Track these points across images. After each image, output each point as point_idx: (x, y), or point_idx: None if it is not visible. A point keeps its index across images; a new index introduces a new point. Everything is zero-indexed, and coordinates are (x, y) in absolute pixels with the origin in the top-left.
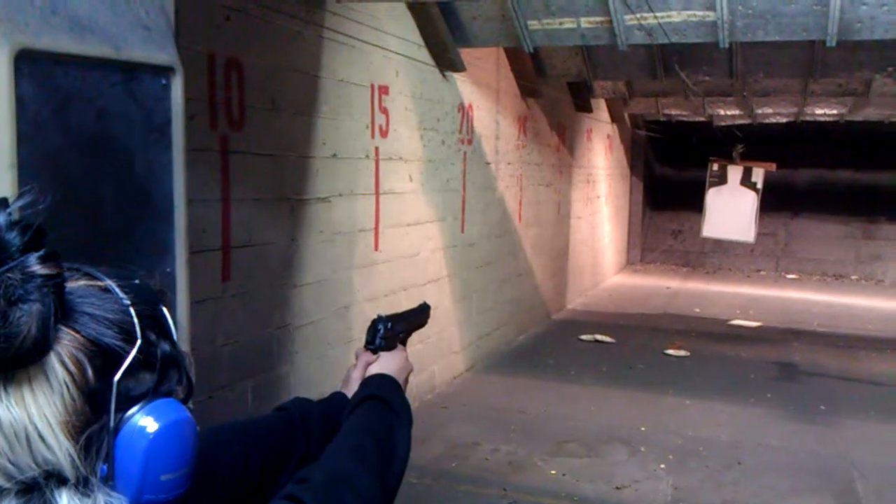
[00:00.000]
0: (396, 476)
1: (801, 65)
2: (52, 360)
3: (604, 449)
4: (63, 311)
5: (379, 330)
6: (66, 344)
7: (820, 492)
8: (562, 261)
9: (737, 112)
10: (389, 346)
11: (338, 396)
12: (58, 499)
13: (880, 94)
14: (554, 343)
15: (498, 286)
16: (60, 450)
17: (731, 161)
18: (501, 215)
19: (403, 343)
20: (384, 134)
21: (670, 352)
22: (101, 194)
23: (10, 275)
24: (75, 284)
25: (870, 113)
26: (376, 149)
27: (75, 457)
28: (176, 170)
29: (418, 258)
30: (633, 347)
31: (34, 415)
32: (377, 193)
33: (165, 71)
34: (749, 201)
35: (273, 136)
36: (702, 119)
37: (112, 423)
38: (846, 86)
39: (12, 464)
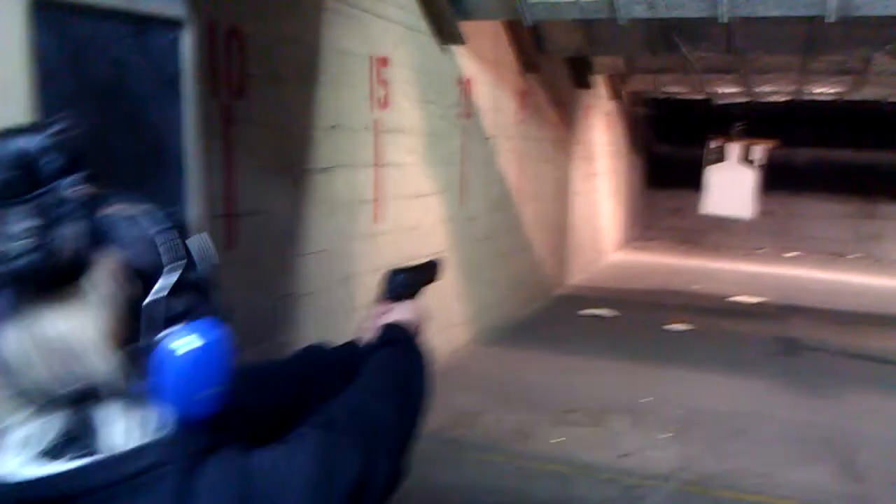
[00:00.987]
0: (417, 412)
1: (800, 41)
2: (94, 279)
3: (607, 419)
4: (100, 233)
5: (393, 282)
6: (106, 264)
7: (822, 461)
8: (562, 237)
9: (736, 90)
10: (403, 297)
11: (354, 344)
12: (104, 410)
13: (879, 73)
14: (555, 318)
15: (498, 261)
16: (104, 364)
17: (731, 139)
18: (501, 190)
19: (416, 295)
20: (384, 106)
21: (671, 326)
22: (114, 143)
23: (48, 197)
24: (111, 208)
25: (868, 92)
26: (376, 121)
27: (118, 371)
28: (186, 122)
29: (419, 231)
30: (633, 322)
31: (80, 330)
32: (377, 165)
33: (175, 25)
34: (748, 179)
35: (274, 106)
36: (701, 97)
37: (151, 341)
38: (845, 64)
39: (60, 377)
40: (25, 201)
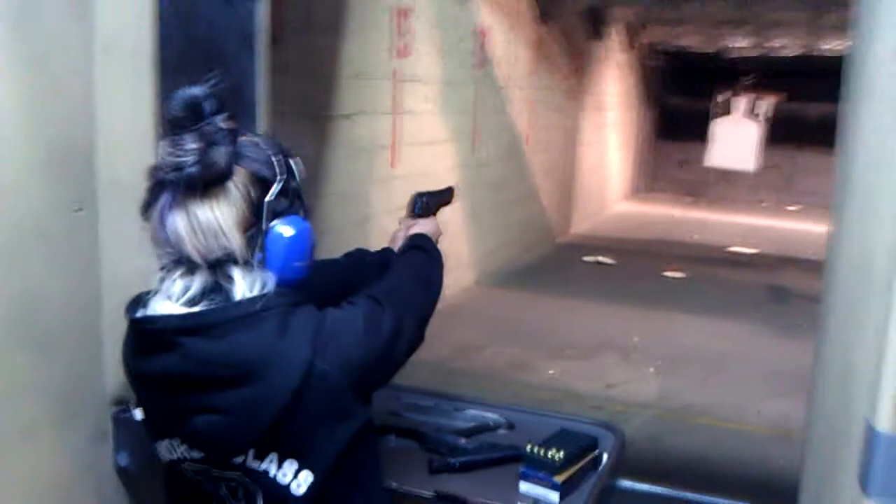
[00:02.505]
0: (433, 297)
1: None
2: (231, 184)
3: (599, 354)
4: (238, 152)
5: (418, 202)
6: (239, 174)
7: (794, 396)
8: (569, 186)
9: (748, 43)
10: (425, 215)
11: (387, 249)
12: (232, 272)
13: None
14: (557, 263)
15: (506, 207)
16: (235, 241)
17: (739, 92)
18: (512, 139)
19: (434, 213)
20: (403, 55)
21: (668, 274)
22: None
23: (208, 127)
24: (243, 136)
25: None
26: (395, 70)
27: (243, 246)
28: (259, 73)
29: (433, 176)
30: (632, 269)
31: (220, 217)
32: (396, 113)
33: None
34: (752, 132)
35: (304, 55)
36: (713, 50)
37: (265, 227)
38: None
39: (205, 248)
40: (194, 129)
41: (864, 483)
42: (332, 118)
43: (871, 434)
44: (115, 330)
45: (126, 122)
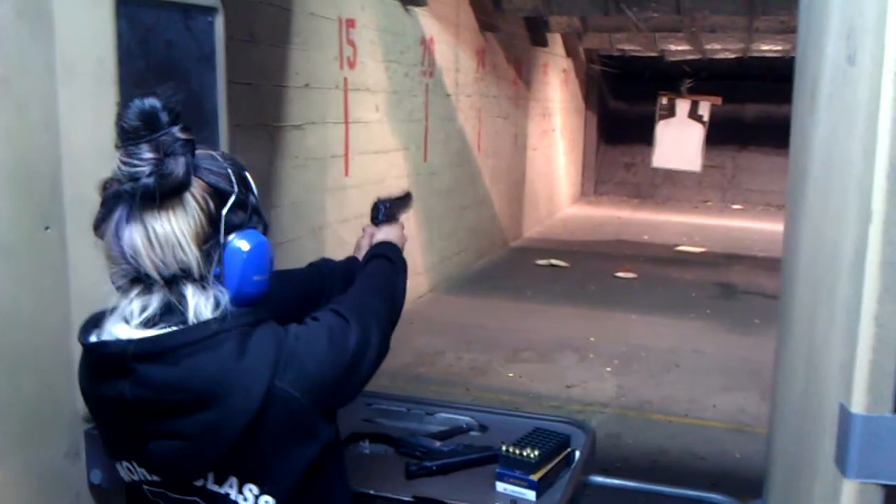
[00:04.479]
0: (398, 307)
1: (743, 2)
2: (188, 196)
3: (556, 356)
4: (194, 164)
5: (380, 209)
6: (196, 186)
7: (747, 389)
8: (518, 191)
9: (687, 48)
10: (389, 221)
11: (353, 258)
12: (186, 290)
13: None
14: (511, 267)
15: (458, 213)
16: (191, 254)
17: (680, 95)
18: (461, 145)
19: (398, 219)
20: (352, 65)
21: (619, 274)
22: None
23: (165, 138)
24: (199, 149)
25: None
26: (345, 79)
27: (200, 260)
28: (220, 88)
29: (385, 184)
30: (585, 271)
31: (177, 230)
32: (346, 122)
33: (212, 10)
34: (696, 133)
35: (250, 67)
36: (654, 54)
37: (222, 241)
38: (788, 23)
39: (163, 263)
40: (150, 140)
41: (842, 465)
42: (283, 129)
43: (845, 416)
44: None
45: (90, 141)
